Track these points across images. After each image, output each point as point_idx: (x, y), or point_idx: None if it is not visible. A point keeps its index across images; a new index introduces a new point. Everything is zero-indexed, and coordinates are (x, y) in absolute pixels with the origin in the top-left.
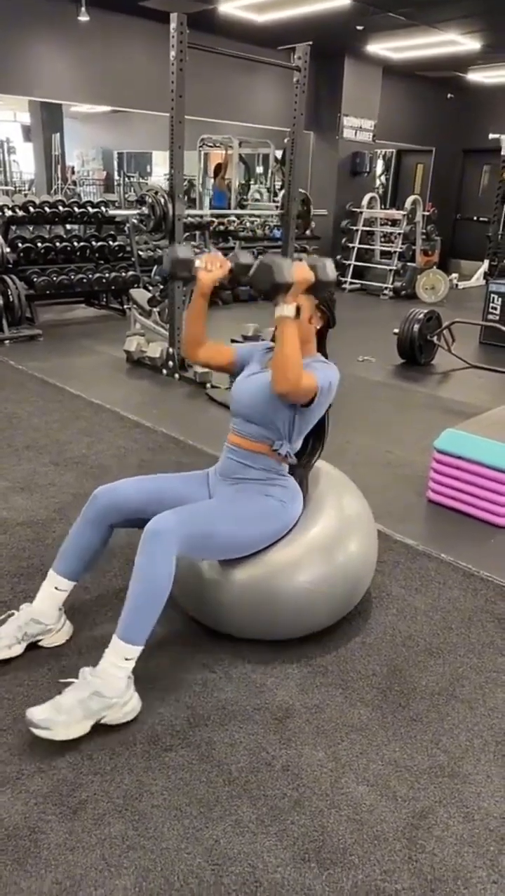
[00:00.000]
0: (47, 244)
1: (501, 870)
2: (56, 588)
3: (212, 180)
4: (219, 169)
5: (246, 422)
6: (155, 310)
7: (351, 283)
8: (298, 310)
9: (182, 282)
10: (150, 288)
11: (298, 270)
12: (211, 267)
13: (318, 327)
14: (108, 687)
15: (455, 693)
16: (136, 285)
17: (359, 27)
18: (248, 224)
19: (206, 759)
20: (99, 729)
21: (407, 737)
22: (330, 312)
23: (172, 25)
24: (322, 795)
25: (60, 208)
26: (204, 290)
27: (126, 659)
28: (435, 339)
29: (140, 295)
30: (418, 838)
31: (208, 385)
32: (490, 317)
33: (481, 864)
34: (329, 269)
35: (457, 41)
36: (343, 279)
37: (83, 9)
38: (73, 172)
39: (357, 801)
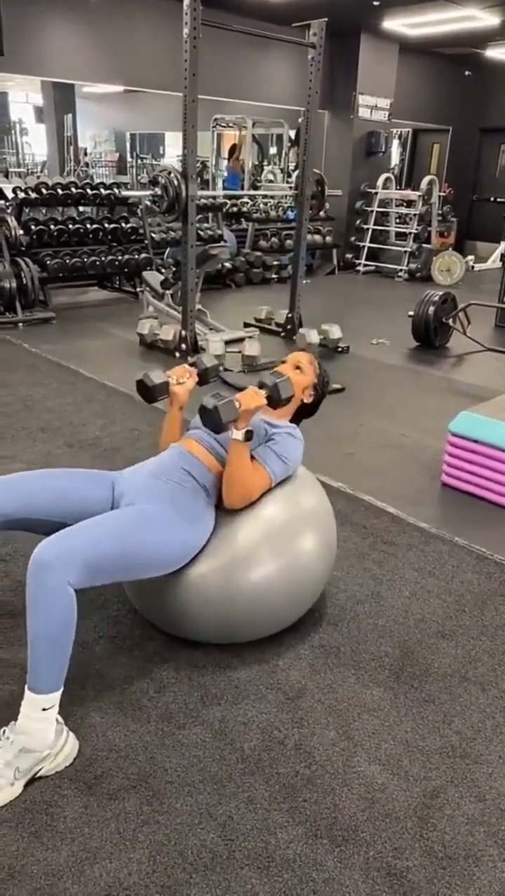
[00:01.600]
0: (60, 226)
1: None
2: None
3: (226, 161)
4: (233, 150)
5: (209, 436)
6: (168, 292)
7: (365, 265)
8: (248, 434)
9: (157, 400)
10: (163, 270)
11: (246, 399)
12: (182, 380)
13: (305, 401)
14: (34, 741)
15: (467, 675)
16: (148, 268)
17: (375, 2)
18: (261, 205)
19: (220, 736)
20: (113, 705)
21: (419, 717)
22: (320, 399)
23: (186, 2)
24: (334, 774)
25: (73, 190)
26: (180, 402)
27: (44, 709)
28: (450, 321)
29: (153, 277)
30: (430, 817)
31: (221, 368)
32: None
33: (492, 842)
34: (282, 388)
35: (476, 16)
36: (357, 261)
37: None
38: (85, 154)
39: (369, 779)
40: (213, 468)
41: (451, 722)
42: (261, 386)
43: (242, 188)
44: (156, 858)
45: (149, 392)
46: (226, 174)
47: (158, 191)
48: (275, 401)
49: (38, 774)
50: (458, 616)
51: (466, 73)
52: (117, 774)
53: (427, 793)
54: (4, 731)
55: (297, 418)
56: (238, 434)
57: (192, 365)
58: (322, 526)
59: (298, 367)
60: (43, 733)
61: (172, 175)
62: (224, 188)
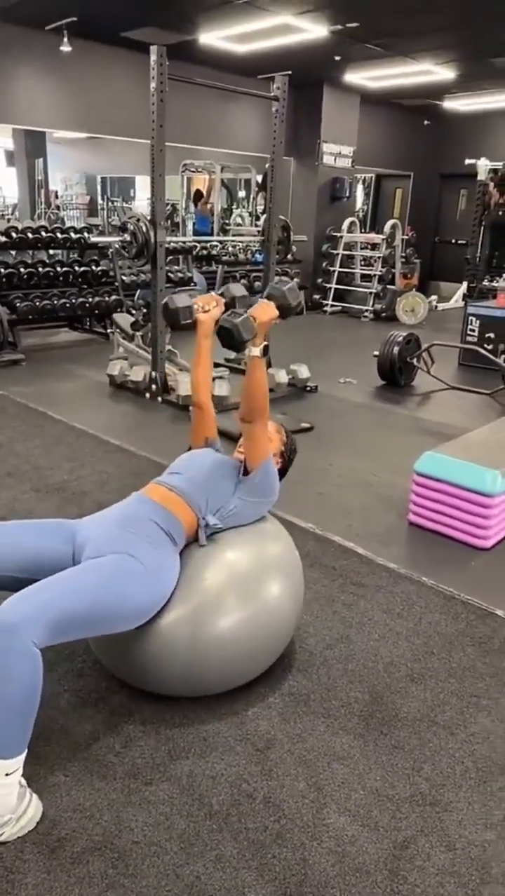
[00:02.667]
0: (30, 269)
1: None
2: None
3: (193, 206)
4: (199, 195)
5: (185, 479)
6: (138, 334)
7: (332, 305)
8: (266, 348)
9: (184, 329)
10: (134, 312)
11: (260, 311)
12: (207, 307)
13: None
14: None
15: (436, 719)
16: (119, 309)
17: (337, 57)
18: (230, 248)
19: (187, 792)
20: (78, 762)
21: (389, 765)
22: (287, 465)
23: (153, 58)
24: (304, 827)
25: (43, 234)
26: (206, 330)
27: (7, 774)
28: (415, 361)
29: (123, 319)
30: (400, 869)
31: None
32: (468, 338)
33: (463, 893)
34: (290, 295)
35: (432, 71)
36: (325, 301)
37: (66, 39)
38: (56, 197)
39: (339, 832)
40: (180, 512)
41: (420, 769)
42: (269, 298)
43: (213, 231)
44: None
45: (172, 315)
46: (195, 218)
47: (128, 237)
48: (285, 308)
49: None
50: (426, 658)
51: (425, 122)
52: (82, 836)
53: (397, 844)
54: None
55: None
56: (256, 350)
57: (220, 294)
58: (289, 573)
59: None
60: (5, 798)
61: (141, 222)
62: (194, 231)
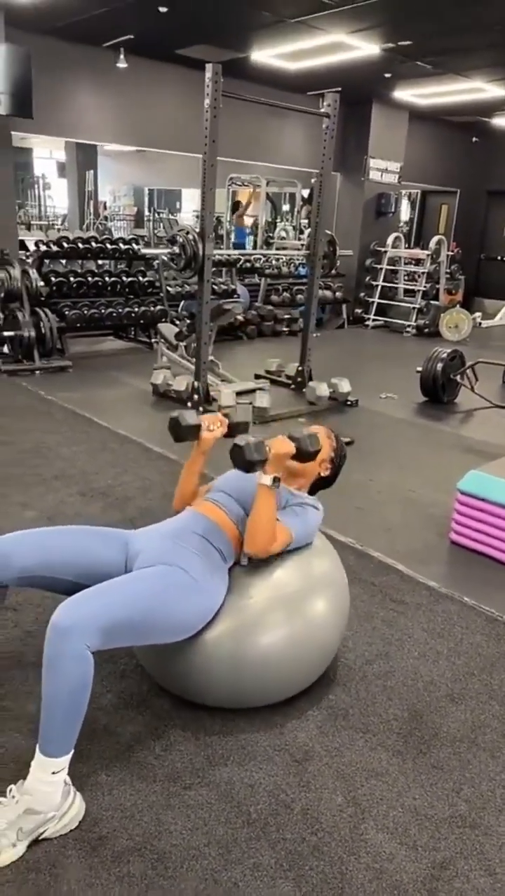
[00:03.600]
0: (79, 278)
1: None
2: None
3: (230, 217)
4: (237, 206)
5: (231, 499)
6: (182, 344)
7: (374, 319)
8: (276, 480)
9: (185, 441)
10: (178, 323)
11: (276, 444)
12: (212, 427)
13: (323, 474)
14: (40, 802)
15: (477, 741)
16: (164, 320)
17: (387, 75)
18: (273, 261)
19: (226, 799)
20: (120, 763)
21: (428, 784)
22: (337, 471)
23: (207, 75)
24: (341, 841)
25: (93, 244)
26: (205, 448)
27: (54, 773)
28: (458, 378)
29: (168, 329)
30: (438, 890)
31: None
32: None
33: None
34: (309, 440)
35: (483, 88)
36: (367, 315)
37: (122, 56)
38: (104, 208)
39: (377, 848)
40: (229, 531)
41: (460, 790)
42: (290, 438)
43: (255, 243)
44: None
45: (180, 431)
46: (233, 230)
47: (177, 249)
48: (303, 452)
49: (43, 836)
50: (467, 679)
51: (474, 139)
52: (122, 835)
53: (436, 864)
54: (11, 790)
55: (314, 489)
56: (266, 478)
57: (225, 415)
58: (335, 591)
59: None
60: (50, 795)
61: (190, 235)
62: (233, 244)
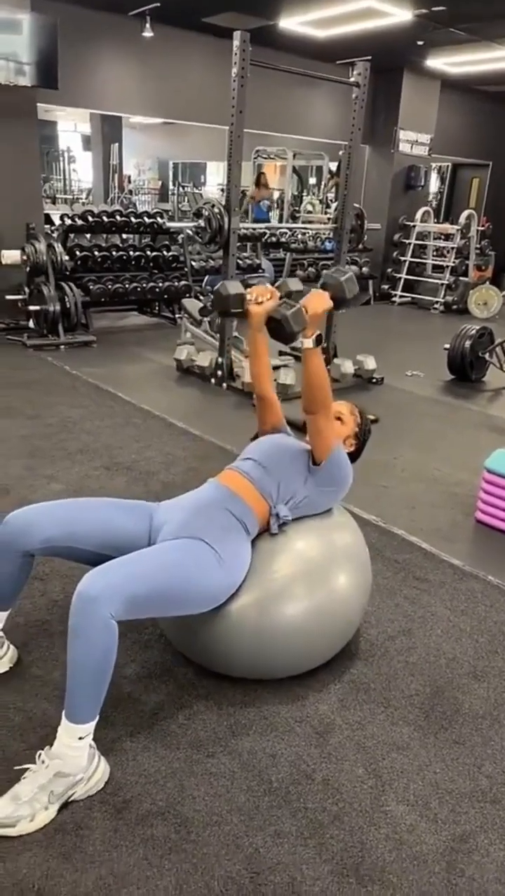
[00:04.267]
0: (104, 253)
1: None
2: None
3: (250, 191)
4: (259, 178)
5: (259, 466)
6: (206, 319)
7: (401, 296)
8: (319, 338)
9: (234, 318)
10: (202, 298)
11: (313, 303)
12: (261, 299)
13: (347, 450)
14: (68, 766)
15: (499, 718)
16: (188, 295)
17: (419, 42)
18: (299, 236)
19: (248, 767)
20: (143, 730)
21: (449, 759)
22: (361, 447)
23: (235, 43)
24: (362, 812)
25: (118, 218)
26: (258, 323)
27: (80, 738)
28: (487, 356)
29: (192, 305)
30: (458, 862)
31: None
32: None
33: None
34: (347, 286)
35: None
36: (394, 292)
37: (148, 24)
38: (129, 181)
39: (397, 820)
40: (254, 502)
41: (481, 765)
42: (324, 287)
43: (281, 217)
44: (183, 887)
45: (224, 302)
46: (250, 206)
47: (202, 223)
48: (340, 300)
49: (71, 798)
50: (490, 657)
51: None
52: (146, 800)
53: (456, 837)
54: (40, 755)
55: None
56: (308, 341)
57: (276, 287)
58: (357, 564)
59: (338, 419)
60: (78, 759)
61: (216, 208)
62: (252, 220)
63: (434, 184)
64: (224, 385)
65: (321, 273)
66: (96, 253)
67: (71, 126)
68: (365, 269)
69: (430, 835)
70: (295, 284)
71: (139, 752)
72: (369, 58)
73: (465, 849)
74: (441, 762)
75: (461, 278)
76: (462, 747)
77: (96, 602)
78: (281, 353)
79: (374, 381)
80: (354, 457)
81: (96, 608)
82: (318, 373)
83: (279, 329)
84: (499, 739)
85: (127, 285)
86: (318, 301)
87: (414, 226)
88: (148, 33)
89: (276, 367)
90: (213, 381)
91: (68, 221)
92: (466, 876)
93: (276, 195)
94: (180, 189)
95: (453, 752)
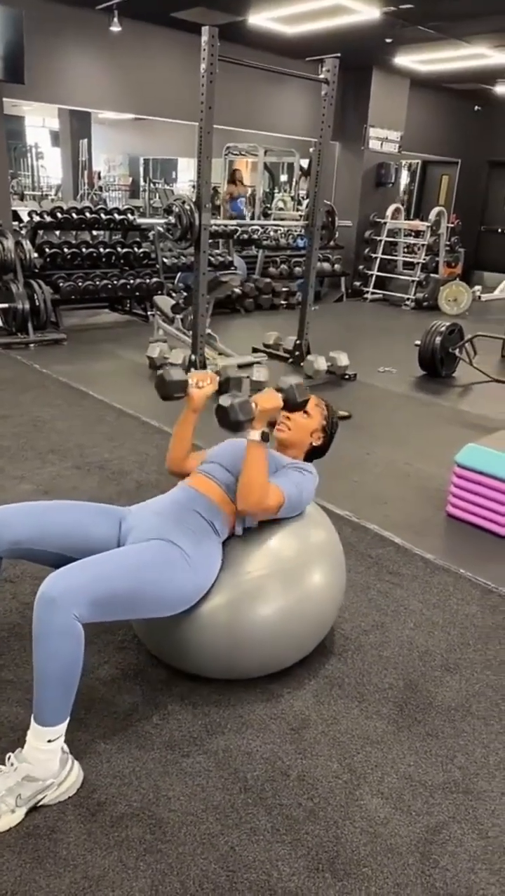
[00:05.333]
0: (74, 250)
1: None
2: None
3: (225, 188)
4: (234, 175)
5: (224, 470)
6: (178, 317)
7: (373, 293)
8: (264, 435)
9: (173, 400)
10: (174, 295)
11: (263, 400)
12: (202, 384)
13: (315, 444)
14: (39, 770)
15: (471, 709)
16: (159, 292)
17: (388, 40)
18: (271, 233)
19: (223, 766)
20: (118, 731)
21: (422, 751)
22: (329, 440)
23: (204, 38)
24: (337, 807)
25: (87, 215)
26: (196, 405)
27: (50, 741)
28: (457, 351)
29: (164, 302)
30: (432, 853)
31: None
32: None
33: (495, 881)
34: (297, 391)
35: (485, 54)
36: (365, 289)
37: (115, 19)
38: (99, 178)
39: (371, 813)
40: (223, 504)
41: (454, 757)
42: (277, 389)
43: (253, 214)
44: (158, 888)
45: (166, 387)
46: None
47: (172, 219)
48: (291, 403)
49: (42, 803)
50: (462, 649)
51: (476, 107)
52: (120, 802)
53: (430, 828)
54: (9, 757)
55: (307, 460)
56: (254, 434)
57: (216, 372)
58: (331, 562)
59: (304, 412)
60: (48, 763)
61: (186, 204)
62: (227, 215)
63: (404, 181)
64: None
65: (293, 270)
66: (66, 250)
67: (39, 121)
68: (337, 266)
69: (404, 827)
70: (234, 373)
71: (113, 753)
72: (339, 55)
73: (438, 839)
74: (414, 755)
75: (431, 275)
76: (435, 739)
77: (56, 604)
78: (255, 350)
79: (346, 377)
80: (322, 450)
81: (57, 610)
82: (259, 470)
83: (225, 416)
84: (471, 731)
85: (97, 282)
86: (269, 398)
87: (385, 223)
88: (116, 28)
89: (248, 364)
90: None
91: (37, 218)
92: (439, 866)
93: (248, 192)
94: (151, 185)
95: (426, 745)
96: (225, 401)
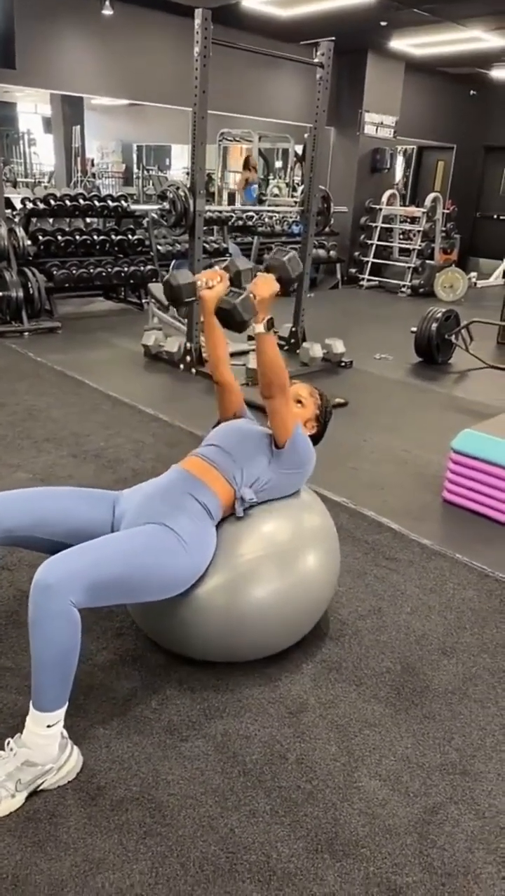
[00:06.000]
0: (67, 237)
1: None
2: None
3: (235, 174)
4: (248, 162)
5: (221, 451)
6: None
7: (369, 280)
8: (270, 322)
9: (188, 305)
10: None
11: (260, 288)
12: (211, 283)
13: (309, 433)
14: (38, 755)
15: (468, 692)
16: (154, 279)
17: (383, 23)
18: (266, 220)
19: (222, 750)
20: (117, 717)
21: (420, 734)
22: (323, 429)
23: (197, 21)
24: (335, 789)
25: (81, 202)
26: (211, 307)
27: (48, 726)
28: (453, 338)
29: (158, 289)
30: (429, 833)
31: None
32: None
33: (491, 860)
34: (291, 265)
35: (481, 38)
36: (361, 275)
37: (108, 3)
38: (92, 165)
39: (370, 795)
40: (218, 486)
41: (451, 739)
42: (268, 269)
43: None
44: (158, 870)
45: (175, 292)
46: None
47: (167, 205)
48: (286, 280)
49: (41, 787)
50: (458, 633)
51: (472, 92)
52: (120, 786)
53: (427, 809)
54: (9, 742)
55: None
56: (260, 327)
57: (224, 269)
58: (326, 546)
59: (298, 401)
60: (47, 748)
61: (181, 190)
62: (243, 201)
63: (400, 167)
64: (193, 370)
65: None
66: (59, 237)
67: (31, 108)
68: (332, 253)
69: (402, 808)
70: (243, 263)
71: (112, 738)
72: (333, 38)
73: (436, 820)
74: (412, 737)
75: (427, 261)
76: (432, 722)
77: (52, 590)
78: (250, 338)
79: (342, 364)
80: (316, 439)
81: (53, 596)
82: (272, 356)
83: (229, 318)
84: (468, 713)
85: (91, 270)
86: (264, 285)
87: (380, 209)
88: (108, 11)
89: (244, 352)
90: (181, 366)
91: (30, 205)
92: (437, 846)
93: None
94: (145, 172)
95: (424, 727)
96: (225, 303)
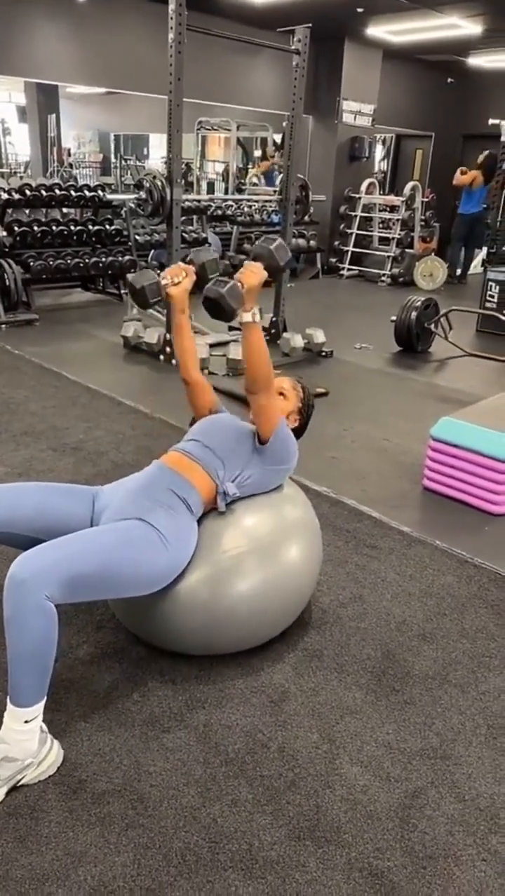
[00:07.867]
0: (44, 228)
1: (490, 848)
2: None
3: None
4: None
5: (202, 447)
6: None
7: (349, 269)
8: (259, 312)
9: (154, 307)
10: None
11: (248, 276)
12: (177, 279)
13: (291, 426)
14: (17, 750)
15: (448, 677)
16: (132, 270)
17: (359, 9)
18: (245, 209)
19: (204, 740)
20: (98, 710)
21: (400, 719)
22: (305, 422)
23: (171, 7)
24: (317, 776)
25: (57, 192)
26: (180, 304)
27: (26, 721)
28: (432, 326)
29: None
30: (410, 818)
31: (206, 371)
32: (488, 304)
33: (472, 842)
34: (278, 253)
35: (458, 24)
36: (341, 265)
37: None
38: (69, 154)
39: (351, 781)
40: (199, 482)
41: (431, 724)
42: (256, 258)
43: (226, 190)
44: (140, 861)
45: (140, 295)
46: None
47: (143, 195)
48: (274, 268)
49: (22, 783)
50: (438, 619)
51: (449, 80)
52: (102, 779)
53: (408, 794)
54: None
55: None
56: (248, 316)
57: (188, 262)
58: (308, 537)
59: (281, 394)
60: (25, 743)
61: (157, 179)
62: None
63: (378, 156)
64: (173, 361)
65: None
66: (36, 228)
67: (5, 96)
68: (312, 243)
69: (383, 793)
70: (206, 255)
71: (94, 731)
72: (310, 25)
73: (417, 804)
74: (393, 723)
75: (407, 250)
76: (413, 707)
77: (26, 585)
78: (231, 329)
79: (323, 354)
80: (298, 432)
81: (27, 591)
82: (258, 348)
83: (216, 308)
84: (448, 698)
85: (69, 261)
86: (252, 274)
87: (359, 198)
88: None
89: (225, 343)
90: (161, 357)
91: (5, 196)
92: (418, 830)
93: (220, 167)
94: (122, 162)
95: (405, 713)
96: (212, 292)
